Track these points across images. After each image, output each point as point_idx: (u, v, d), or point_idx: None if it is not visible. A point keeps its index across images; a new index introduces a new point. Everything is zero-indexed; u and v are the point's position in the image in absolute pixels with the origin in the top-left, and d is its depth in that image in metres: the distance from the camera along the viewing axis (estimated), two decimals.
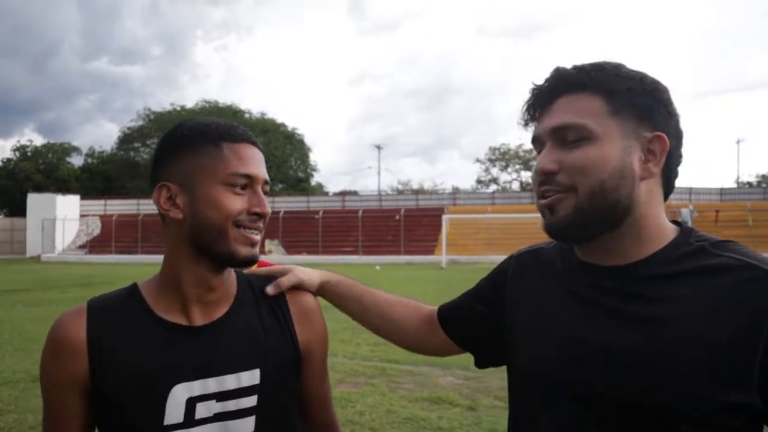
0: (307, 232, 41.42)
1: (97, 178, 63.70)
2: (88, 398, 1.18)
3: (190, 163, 1.20)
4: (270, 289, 1.33)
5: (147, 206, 49.87)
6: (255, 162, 1.22)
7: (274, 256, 32.40)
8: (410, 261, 34.81)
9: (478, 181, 68.52)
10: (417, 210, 44.56)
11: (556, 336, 1.12)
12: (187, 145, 1.21)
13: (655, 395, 0.97)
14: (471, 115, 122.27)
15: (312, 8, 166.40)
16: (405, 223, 41.03)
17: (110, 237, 44.74)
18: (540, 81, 1.15)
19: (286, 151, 61.70)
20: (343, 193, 55.31)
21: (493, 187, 66.17)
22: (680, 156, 1.12)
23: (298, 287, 1.38)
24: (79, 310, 1.22)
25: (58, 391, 1.19)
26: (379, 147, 69.09)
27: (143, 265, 34.08)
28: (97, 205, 50.68)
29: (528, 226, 40.73)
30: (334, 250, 38.60)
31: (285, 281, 1.35)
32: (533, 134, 1.15)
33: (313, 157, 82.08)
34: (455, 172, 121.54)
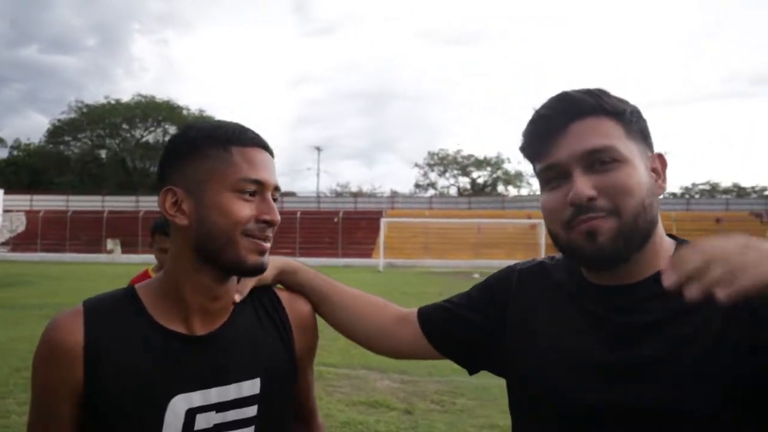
0: None
1: (23, 172, 61.03)
2: (80, 407, 1.13)
3: (198, 167, 1.15)
4: (237, 297, 1.25)
5: (77, 202, 48.28)
6: (266, 167, 1.17)
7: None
8: (348, 264, 34.78)
9: (417, 185, 69.06)
10: (355, 212, 44.66)
11: (569, 356, 1.12)
12: (195, 149, 1.16)
13: (674, 404, 1.00)
14: (410, 119, 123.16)
15: (256, 6, 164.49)
16: (343, 226, 41.05)
17: (36, 234, 43.06)
18: (540, 107, 1.14)
19: None
20: (281, 194, 54.66)
21: (431, 192, 66.87)
22: None
23: (260, 284, 1.31)
24: (76, 312, 1.15)
25: (49, 397, 1.13)
26: (318, 149, 68.75)
27: (71, 265, 32.90)
28: (23, 201, 48.66)
29: (464, 231, 41.58)
30: (271, 251, 37.50)
31: (243, 288, 1.27)
32: (547, 162, 1.12)
33: None
34: (394, 175, 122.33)
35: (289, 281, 1.38)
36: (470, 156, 66.66)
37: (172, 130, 62.44)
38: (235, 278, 1.23)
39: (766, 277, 0.78)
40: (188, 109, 62.88)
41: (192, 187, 1.15)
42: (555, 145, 1.10)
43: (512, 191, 65.29)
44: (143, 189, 55.72)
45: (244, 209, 1.13)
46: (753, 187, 60.19)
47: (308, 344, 1.35)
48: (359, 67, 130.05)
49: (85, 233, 43.84)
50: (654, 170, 1.12)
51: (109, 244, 40.75)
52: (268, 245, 1.17)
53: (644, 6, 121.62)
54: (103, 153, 63.65)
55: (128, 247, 40.97)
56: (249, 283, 1.28)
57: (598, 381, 1.07)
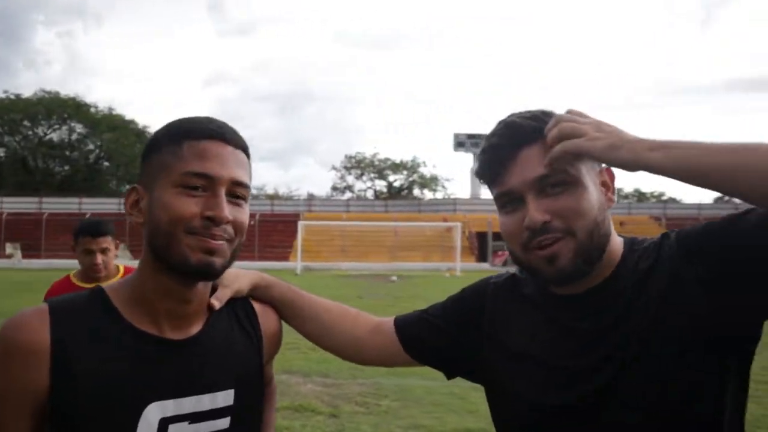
0: None
1: None
2: (39, 419, 1.04)
3: (153, 164, 1.12)
4: (215, 304, 1.22)
5: None
6: (219, 161, 1.09)
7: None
8: (264, 267, 33.96)
9: (334, 188, 69.06)
10: (272, 215, 44.11)
11: (539, 364, 1.20)
12: (155, 145, 1.13)
13: (639, 398, 1.08)
14: (327, 122, 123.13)
15: (169, 2, 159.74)
16: (260, 229, 40.37)
17: None
18: (490, 134, 1.20)
19: (135, 150, 58.24)
20: None
21: (348, 195, 66.92)
22: None
23: (237, 296, 1.31)
24: (40, 310, 1.07)
25: (5, 403, 1.03)
26: None
27: None
28: None
29: (381, 234, 41.80)
30: None
31: (221, 296, 1.26)
32: (501, 189, 1.17)
33: None
34: (310, 178, 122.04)
35: (263, 295, 1.38)
36: (387, 159, 67.23)
37: (79, 128, 59.57)
38: (208, 284, 1.19)
39: (593, 148, 1.05)
40: (96, 107, 60.05)
41: (148, 184, 1.12)
42: (507, 173, 1.16)
43: (428, 194, 66.37)
44: (47, 190, 52.89)
45: (188, 205, 1.06)
46: (652, 193, 63.77)
47: (274, 352, 1.35)
48: (275, 68, 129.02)
49: None
50: (603, 184, 1.19)
51: (8, 248, 38.40)
52: (217, 243, 1.08)
53: (562, 19, 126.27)
54: (1, 151, 59.85)
55: (30, 252, 38.79)
56: (227, 292, 1.26)
57: (567, 385, 1.15)
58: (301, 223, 35.61)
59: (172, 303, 1.14)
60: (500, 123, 1.20)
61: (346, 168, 68.57)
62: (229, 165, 1.10)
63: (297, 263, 32.14)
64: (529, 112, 1.21)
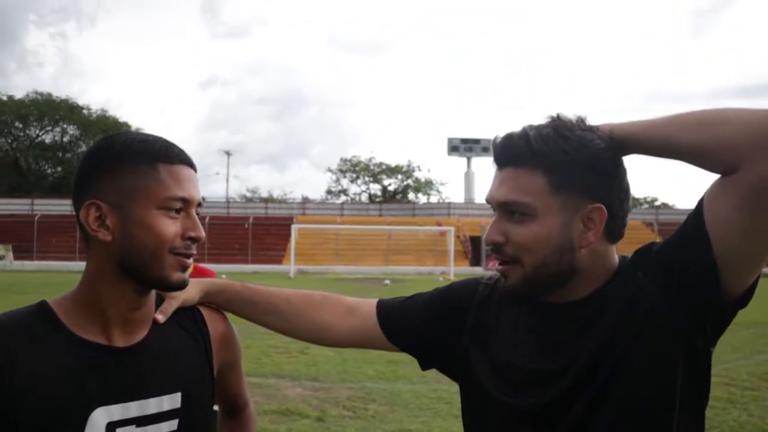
0: None
1: None
2: None
3: (125, 183, 1.13)
4: (160, 318, 1.26)
5: None
6: (191, 184, 1.18)
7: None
8: (258, 270, 34.26)
9: (328, 192, 69.13)
10: (266, 218, 44.11)
11: (513, 366, 1.23)
12: (121, 163, 1.13)
13: (609, 400, 1.12)
14: (322, 125, 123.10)
15: (162, 4, 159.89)
16: (253, 232, 40.40)
17: None
18: (505, 131, 1.21)
19: None
20: None
21: (342, 198, 67.08)
22: (626, 210, 1.20)
23: (186, 305, 1.33)
24: None
25: None
26: (228, 153, 67.33)
27: None
28: None
29: (375, 238, 41.93)
30: None
31: (167, 309, 1.28)
32: (486, 196, 1.24)
33: None
34: (305, 181, 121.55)
35: (217, 300, 1.40)
36: (382, 163, 67.39)
37: (71, 130, 59.57)
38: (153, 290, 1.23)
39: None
40: (89, 109, 60.12)
41: (117, 203, 1.13)
42: (492, 183, 1.22)
43: (422, 198, 66.53)
44: (39, 191, 52.81)
45: (171, 227, 1.14)
46: (645, 198, 64.18)
47: (229, 357, 1.39)
48: (270, 72, 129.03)
49: None
50: (586, 221, 1.16)
51: (0, 249, 38.34)
52: (191, 261, 1.19)
53: (553, 24, 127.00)
54: None
55: (21, 253, 38.67)
56: (173, 304, 1.29)
57: (541, 388, 1.18)
58: (294, 227, 35.66)
59: (125, 310, 1.18)
60: (504, 134, 1.21)
61: (342, 171, 68.79)
62: (196, 187, 1.21)
63: (290, 267, 32.12)
64: (541, 127, 1.17)
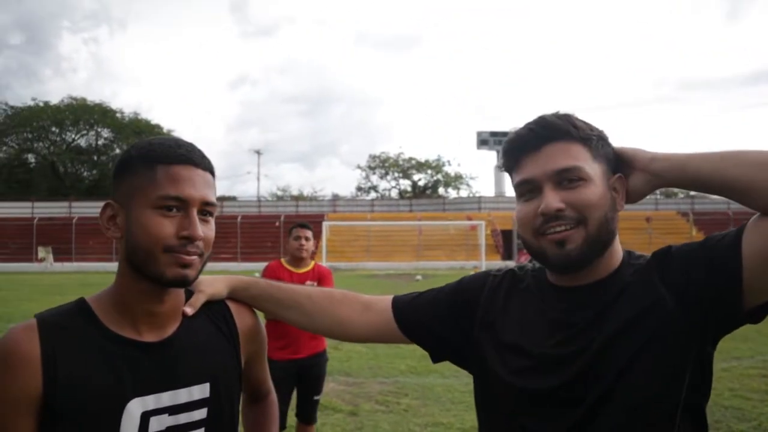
0: None
1: None
2: (37, 417, 1.14)
3: (128, 184, 1.22)
4: (188, 310, 1.33)
5: (5, 209, 46.26)
6: (190, 184, 1.21)
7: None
8: None
9: (358, 188, 69.14)
10: (297, 216, 44.21)
11: (535, 352, 1.27)
12: (128, 166, 1.22)
13: (623, 385, 1.17)
14: (351, 122, 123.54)
15: (190, 5, 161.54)
16: (285, 230, 40.59)
17: None
18: (521, 128, 1.29)
19: None
20: (221, 199, 53.91)
21: (372, 195, 67.05)
22: None
23: (213, 299, 1.41)
24: (29, 325, 1.18)
25: (5, 410, 1.13)
26: (258, 152, 68.00)
27: (0, 274, 31.48)
28: None
29: (406, 234, 41.83)
30: (212, 257, 37.25)
31: (195, 303, 1.35)
32: (522, 177, 1.28)
33: None
34: (335, 178, 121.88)
35: (243, 296, 1.49)
36: (411, 159, 67.11)
37: (105, 133, 60.53)
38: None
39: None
40: (122, 112, 61.06)
41: (124, 203, 1.21)
42: (530, 163, 1.27)
43: (452, 193, 66.18)
44: (76, 194, 53.85)
45: (165, 226, 1.18)
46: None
47: (254, 349, 1.47)
48: (299, 70, 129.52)
49: (14, 241, 42.05)
50: (615, 189, 1.28)
51: (41, 252, 39.22)
52: (191, 258, 1.21)
53: (583, 14, 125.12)
54: (31, 157, 61.08)
55: (61, 255, 39.54)
56: (201, 298, 1.36)
57: (550, 372, 1.23)
58: (325, 224, 35.79)
59: (149, 303, 1.25)
60: (532, 119, 1.30)
61: (371, 168, 68.67)
62: (199, 187, 1.22)
63: (322, 263, 32.23)
64: (561, 113, 1.29)
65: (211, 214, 1.26)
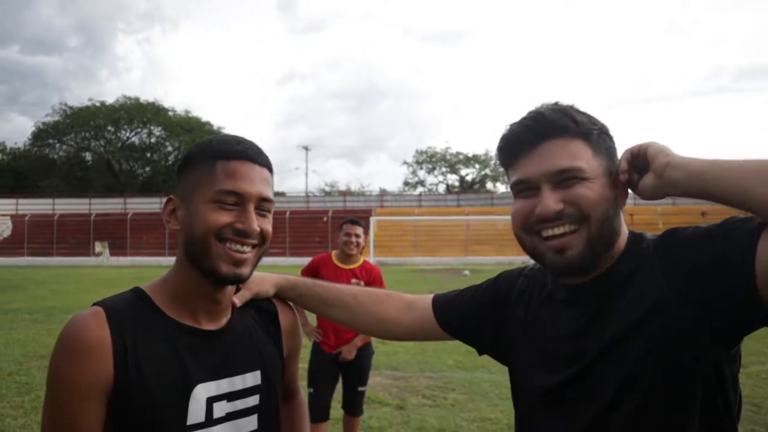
0: None
1: (8, 175, 60.32)
2: (106, 403, 1.15)
3: (190, 179, 1.26)
4: (236, 301, 1.38)
5: (64, 206, 47.88)
6: (248, 180, 1.23)
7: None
8: None
9: (405, 183, 69.23)
10: (345, 211, 44.56)
11: (542, 349, 1.29)
12: (190, 162, 1.28)
13: (631, 378, 1.13)
14: (398, 117, 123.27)
15: (240, 3, 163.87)
16: (333, 225, 40.94)
17: (22, 238, 42.69)
18: (515, 122, 1.25)
19: None
20: None
21: (419, 189, 66.98)
22: None
23: (260, 297, 1.46)
24: (96, 312, 1.19)
25: (75, 398, 1.13)
26: (306, 148, 68.68)
27: (59, 269, 32.63)
28: (8, 205, 48.28)
29: (453, 229, 41.66)
30: None
31: (240, 297, 1.40)
32: (519, 177, 1.23)
33: None
34: (382, 173, 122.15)
35: (289, 294, 1.54)
36: (458, 153, 66.82)
37: (158, 131, 62.10)
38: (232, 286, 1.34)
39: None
40: (174, 111, 62.78)
41: (185, 197, 1.26)
42: (527, 162, 1.22)
43: (500, 188, 65.51)
44: (130, 191, 55.38)
45: (222, 216, 1.22)
46: None
47: (294, 346, 1.52)
48: (346, 65, 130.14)
49: (73, 236, 43.57)
50: (615, 185, 1.22)
51: (98, 246, 40.56)
52: (245, 256, 1.24)
53: (631, 5, 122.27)
54: (88, 155, 63.33)
55: (117, 250, 40.75)
56: (247, 294, 1.41)
57: (557, 371, 1.23)
58: (373, 219, 35.94)
59: (205, 303, 1.30)
60: (529, 112, 1.25)
61: (418, 163, 68.66)
62: (256, 183, 1.25)
63: (370, 259, 32.40)
64: (559, 105, 1.24)
65: (269, 210, 1.29)
